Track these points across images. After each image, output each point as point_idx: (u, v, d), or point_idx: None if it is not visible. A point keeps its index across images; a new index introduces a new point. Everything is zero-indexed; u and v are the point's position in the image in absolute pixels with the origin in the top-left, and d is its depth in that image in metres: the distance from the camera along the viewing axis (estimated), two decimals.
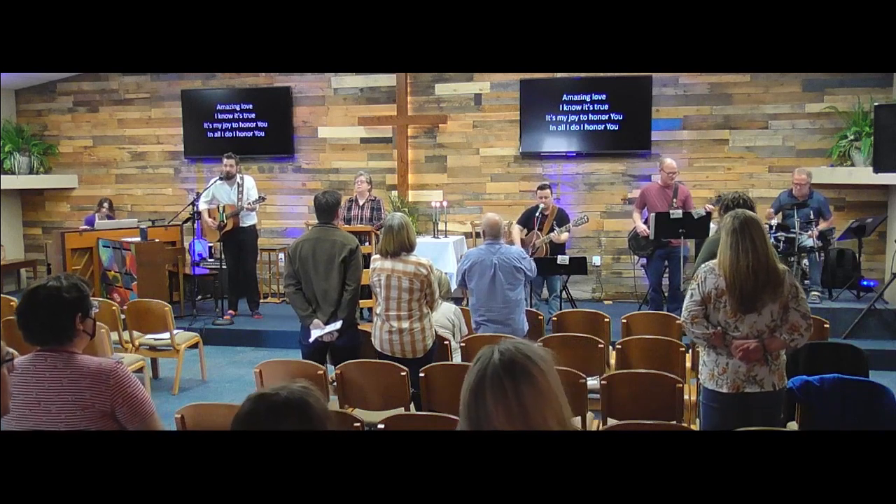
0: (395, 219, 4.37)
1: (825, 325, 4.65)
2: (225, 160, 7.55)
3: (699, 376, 3.37)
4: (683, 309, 3.26)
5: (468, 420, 1.50)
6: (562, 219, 7.31)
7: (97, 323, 4.82)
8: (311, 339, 4.44)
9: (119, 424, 2.31)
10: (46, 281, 2.38)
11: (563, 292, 7.56)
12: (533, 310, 5.41)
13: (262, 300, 8.21)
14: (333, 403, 4.06)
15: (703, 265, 3.28)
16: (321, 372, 3.97)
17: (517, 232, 7.10)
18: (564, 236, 7.29)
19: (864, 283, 7.34)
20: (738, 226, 3.08)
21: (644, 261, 7.60)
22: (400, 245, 4.29)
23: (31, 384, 2.27)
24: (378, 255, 4.43)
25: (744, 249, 3.05)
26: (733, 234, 3.08)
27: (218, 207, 7.38)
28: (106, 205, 8.96)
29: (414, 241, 4.37)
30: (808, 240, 6.78)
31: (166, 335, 5.79)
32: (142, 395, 2.34)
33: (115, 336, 5.56)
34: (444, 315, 4.87)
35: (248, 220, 7.67)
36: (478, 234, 8.68)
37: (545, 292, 7.40)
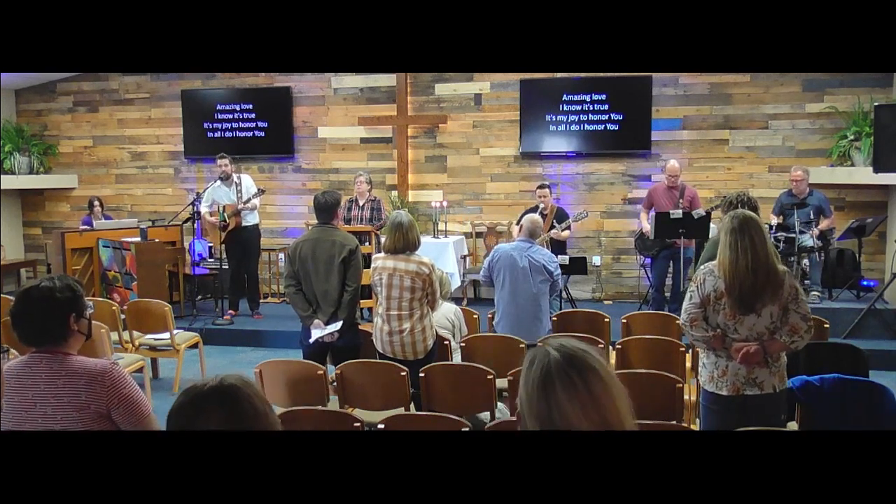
0: (402, 216, 4.37)
1: (825, 325, 4.65)
2: (219, 161, 7.54)
3: (699, 378, 3.36)
4: (682, 311, 3.24)
5: (538, 418, 1.48)
6: (561, 217, 7.33)
7: (97, 323, 4.84)
8: (311, 340, 4.44)
9: (115, 426, 2.29)
10: (39, 282, 2.37)
11: (563, 292, 7.56)
12: None
13: (262, 300, 8.21)
14: (333, 403, 4.07)
15: (701, 267, 3.27)
16: (321, 372, 3.97)
17: (517, 231, 7.11)
18: (566, 234, 7.31)
19: (864, 283, 7.34)
20: (738, 225, 3.07)
21: (648, 260, 7.61)
22: (408, 243, 4.29)
23: (27, 386, 2.26)
24: (381, 254, 4.43)
25: (743, 248, 3.03)
26: (732, 234, 3.07)
27: (219, 208, 7.37)
28: (97, 203, 8.88)
29: (419, 241, 4.38)
30: (809, 240, 6.78)
31: (166, 335, 5.79)
32: (138, 396, 2.32)
33: (114, 336, 5.57)
34: (445, 315, 4.87)
35: (251, 220, 7.66)
36: (478, 234, 8.70)
37: None
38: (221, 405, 1.52)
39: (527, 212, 7.50)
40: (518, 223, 7.29)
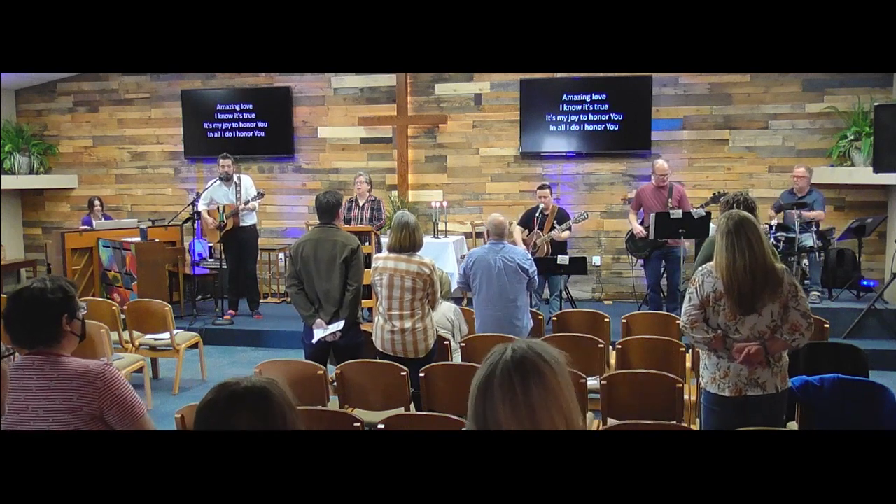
0: (409, 216, 4.41)
1: (825, 325, 4.65)
2: (221, 161, 7.54)
3: (700, 379, 3.35)
4: (682, 313, 3.22)
5: (474, 417, 1.50)
6: (562, 217, 7.32)
7: (97, 323, 4.83)
8: (314, 340, 4.45)
9: (108, 427, 2.28)
10: (32, 283, 2.35)
11: (564, 292, 7.56)
12: (533, 310, 5.41)
13: (262, 300, 8.21)
14: (334, 403, 4.07)
15: (700, 268, 3.25)
16: (321, 372, 3.97)
17: (518, 232, 7.12)
18: (565, 234, 7.30)
19: (864, 283, 7.34)
20: (733, 226, 3.06)
21: (642, 261, 7.60)
22: (414, 242, 4.31)
23: (19, 387, 2.24)
24: (382, 254, 4.44)
25: (740, 250, 3.02)
26: (728, 236, 3.06)
27: (217, 208, 7.37)
28: (97, 203, 8.88)
29: (423, 241, 4.40)
30: (809, 239, 6.78)
31: (166, 335, 5.79)
32: (131, 398, 2.30)
33: (114, 336, 5.56)
34: (444, 315, 4.86)
35: (249, 220, 7.66)
36: (478, 234, 8.70)
37: (546, 292, 7.39)
38: (255, 407, 1.54)
39: (527, 213, 7.50)
40: (519, 223, 7.32)
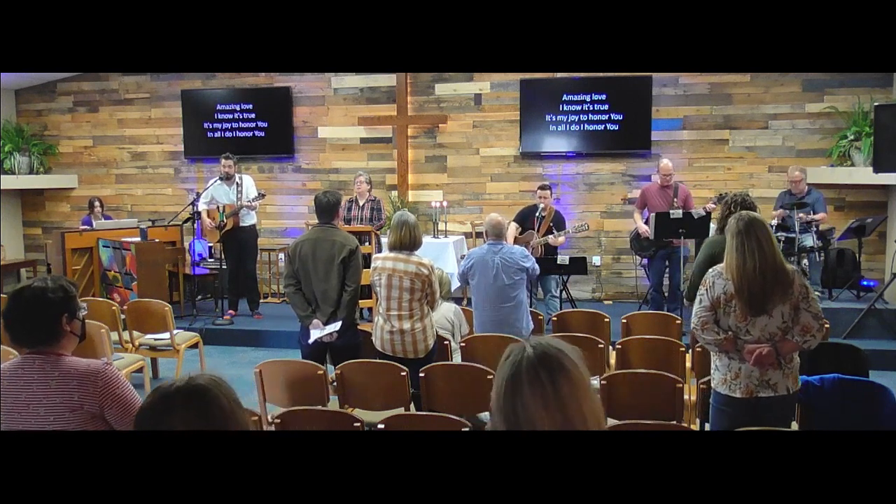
0: (408, 215, 4.43)
1: (825, 326, 4.65)
2: (223, 161, 7.54)
3: (711, 380, 3.33)
4: (693, 315, 3.21)
5: (503, 415, 1.49)
6: (559, 222, 7.31)
7: (97, 323, 4.83)
8: (310, 340, 4.44)
9: (108, 426, 2.28)
10: (32, 282, 2.35)
11: (563, 292, 7.56)
12: (533, 310, 5.42)
13: (262, 300, 8.20)
14: (333, 403, 4.07)
15: (710, 270, 3.22)
16: (321, 372, 3.97)
17: (512, 230, 7.11)
18: (561, 240, 7.31)
19: (864, 283, 7.34)
20: (744, 227, 3.05)
21: (646, 261, 7.61)
22: (413, 240, 4.32)
23: (19, 387, 2.24)
24: (381, 254, 4.44)
25: (750, 251, 3.01)
26: (738, 236, 3.05)
27: (218, 208, 7.37)
28: (97, 203, 8.87)
29: (422, 240, 4.41)
30: (809, 239, 6.78)
31: (166, 335, 5.79)
32: (131, 397, 2.30)
33: (114, 336, 5.56)
34: (444, 315, 4.86)
35: (248, 220, 7.66)
36: (479, 234, 8.69)
37: (540, 292, 7.39)
38: (187, 406, 1.52)
39: (524, 211, 7.48)
40: (514, 220, 7.31)
